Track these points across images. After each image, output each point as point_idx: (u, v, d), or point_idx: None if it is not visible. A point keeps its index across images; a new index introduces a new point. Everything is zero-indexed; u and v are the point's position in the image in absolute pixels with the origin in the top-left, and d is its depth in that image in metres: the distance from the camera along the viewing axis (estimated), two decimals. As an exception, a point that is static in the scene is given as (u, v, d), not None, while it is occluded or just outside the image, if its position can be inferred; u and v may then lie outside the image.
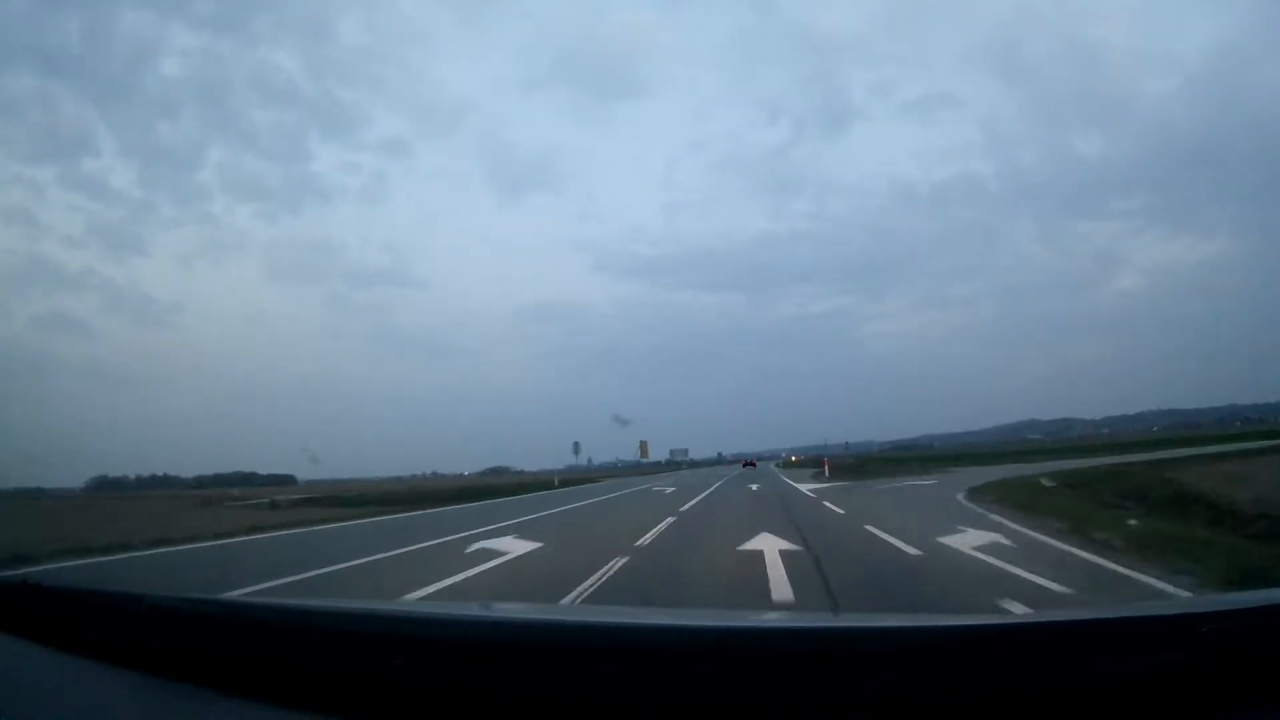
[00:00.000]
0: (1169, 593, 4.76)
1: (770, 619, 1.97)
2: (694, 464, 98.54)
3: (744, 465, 74.69)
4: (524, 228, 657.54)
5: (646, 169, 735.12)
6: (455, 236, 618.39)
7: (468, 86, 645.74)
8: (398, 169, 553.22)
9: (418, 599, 5.26)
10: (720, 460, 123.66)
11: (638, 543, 8.34)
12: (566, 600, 5.16)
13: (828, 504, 13.51)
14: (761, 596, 5.11)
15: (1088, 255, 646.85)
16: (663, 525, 10.52)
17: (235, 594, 4.63)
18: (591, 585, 5.65)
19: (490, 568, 6.94)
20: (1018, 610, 4.03)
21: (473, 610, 1.67)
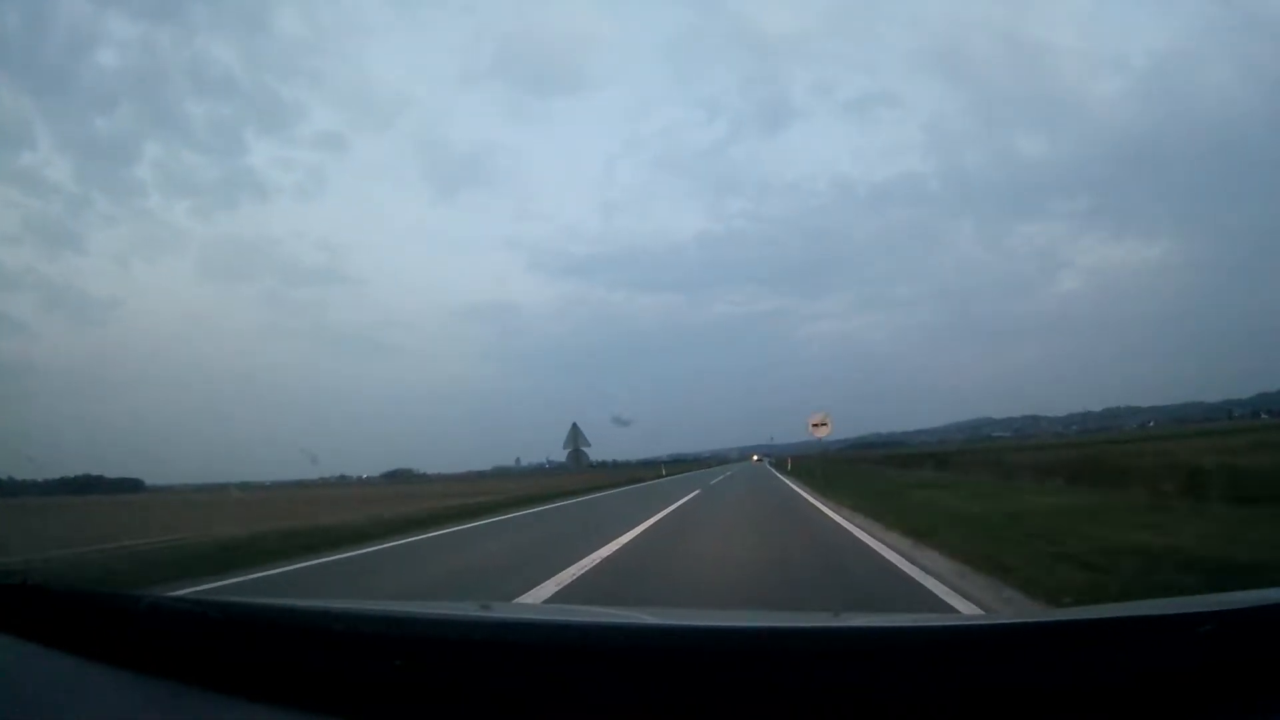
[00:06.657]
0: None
1: (769, 619, 1.97)
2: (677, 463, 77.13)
3: (755, 461, 71.82)
4: (460, 225, 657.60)
5: (584, 167, 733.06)
6: (390, 234, 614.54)
7: (405, 80, 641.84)
8: (334, 164, 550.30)
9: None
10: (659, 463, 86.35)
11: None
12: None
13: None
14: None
15: (1035, 255, 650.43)
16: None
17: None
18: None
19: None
20: (1015, 611, 4.03)
21: (472, 610, 1.66)
